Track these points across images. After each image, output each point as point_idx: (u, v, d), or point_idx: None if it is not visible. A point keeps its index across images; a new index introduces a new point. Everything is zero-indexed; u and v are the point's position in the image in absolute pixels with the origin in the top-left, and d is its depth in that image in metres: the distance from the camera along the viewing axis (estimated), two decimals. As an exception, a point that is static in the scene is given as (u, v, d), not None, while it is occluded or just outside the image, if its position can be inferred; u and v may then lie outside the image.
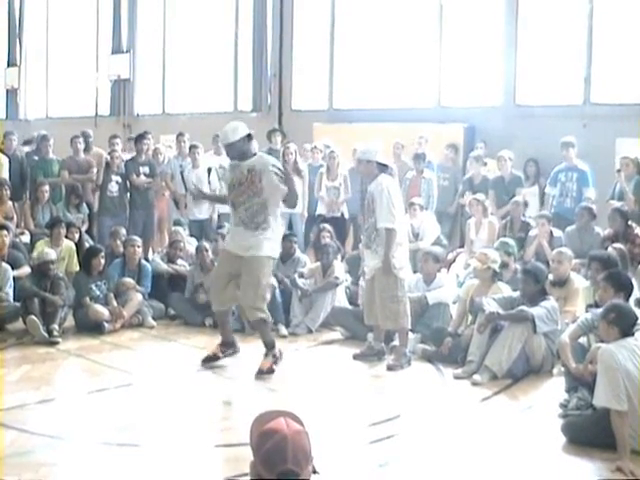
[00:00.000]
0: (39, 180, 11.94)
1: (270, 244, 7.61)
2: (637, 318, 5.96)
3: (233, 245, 7.71)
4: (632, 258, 9.41)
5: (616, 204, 10.27)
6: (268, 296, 8.19)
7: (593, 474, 5.48)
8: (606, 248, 8.99)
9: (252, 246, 7.49)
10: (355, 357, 8.34)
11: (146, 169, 12.14)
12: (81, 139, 12.48)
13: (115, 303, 9.54)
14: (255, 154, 7.62)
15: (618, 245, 9.03)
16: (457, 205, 12.60)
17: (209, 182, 12.12)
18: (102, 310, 9.38)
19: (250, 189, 7.45)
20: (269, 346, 7.75)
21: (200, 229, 12.00)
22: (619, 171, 10.80)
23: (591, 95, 13.08)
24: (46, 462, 5.42)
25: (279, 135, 13.34)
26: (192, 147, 12.39)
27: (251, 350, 8.39)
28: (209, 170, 12.21)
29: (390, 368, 7.97)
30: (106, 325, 9.30)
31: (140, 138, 12.42)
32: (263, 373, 7.57)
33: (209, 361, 8.00)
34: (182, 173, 12.33)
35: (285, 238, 10.10)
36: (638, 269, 9.13)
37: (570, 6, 13.42)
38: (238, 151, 7.53)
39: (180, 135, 13.08)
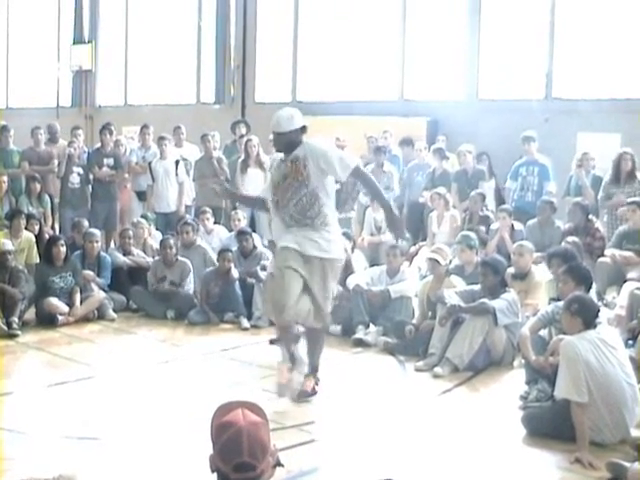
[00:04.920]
0: (-1, 171, 11.82)
1: (337, 246, 6.62)
2: (599, 310, 6.03)
3: (289, 241, 6.49)
4: (592, 252, 9.51)
5: (573, 199, 10.39)
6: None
7: (552, 465, 5.53)
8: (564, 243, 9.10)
9: (318, 246, 6.45)
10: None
11: (110, 160, 12.06)
12: (42, 130, 12.37)
13: (78, 300, 9.43)
14: (301, 143, 6.53)
15: (572, 238, 9.13)
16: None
17: (177, 174, 12.06)
18: (57, 303, 9.28)
19: (296, 180, 6.43)
20: (315, 369, 6.84)
21: (166, 222, 11.89)
22: (580, 166, 10.91)
23: (553, 90, 13.20)
24: (5, 456, 5.35)
25: (244, 127, 13.29)
26: (160, 139, 12.27)
27: (210, 341, 8.40)
28: (177, 162, 12.14)
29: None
30: (60, 317, 9.20)
31: (104, 129, 12.32)
32: (308, 395, 6.70)
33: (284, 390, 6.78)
34: (150, 164, 12.25)
35: (240, 235, 10.06)
36: (598, 262, 9.24)
37: (532, 1, 13.51)
38: (286, 142, 6.52)
39: (144, 127, 12.99)
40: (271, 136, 6.79)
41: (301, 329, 6.91)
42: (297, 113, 6.65)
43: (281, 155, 6.75)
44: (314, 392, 6.76)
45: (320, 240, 6.45)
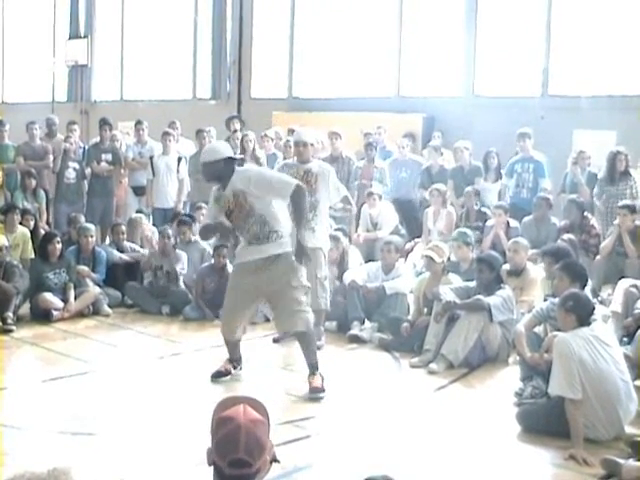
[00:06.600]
0: (-7, 166, 11.80)
1: (288, 245, 6.88)
2: (594, 307, 6.03)
3: (250, 255, 6.86)
4: (587, 249, 9.52)
5: (569, 196, 10.39)
6: (304, 299, 6.92)
7: (547, 462, 5.55)
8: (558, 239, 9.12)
9: (275, 247, 6.80)
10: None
11: (108, 156, 12.05)
12: (37, 125, 12.34)
13: (72, 296, 9.40)
14: (232, 173, 6.75)
15: (568, 236, 9.13)
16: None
17: (178, 171, 12.04)
18: (52, 299, 9.26)
19: (241, 212, 6.72)
20: (314, 367, 6.90)
21: (163, 218, 11.86)
22: (575, 164, 10.92)
23: (549, 87, 13.20)
24: (0, 451, 5.35)
25: (237, 122, 13.26)
26: (165, 134, 12.22)
27: (205, 337, 8.40)
28: (179, 159, 12.11)
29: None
30: (54, 313, 9.19)
31: (104, 125, 12.29)
32: (320, 391, 6.78)
33: (220, 376, 7.18)
34: (151, 158, 12.22)
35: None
36: (595, 260, 9.24)
37: (529, -2, 13.53)
38: (213, 172, 6.78)
39: (138, 123, 12.97)
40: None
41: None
42: (224, 145, 7.20)
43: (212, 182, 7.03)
44: (324, 388, 6.76)
45: (274, 246, 6.78)
